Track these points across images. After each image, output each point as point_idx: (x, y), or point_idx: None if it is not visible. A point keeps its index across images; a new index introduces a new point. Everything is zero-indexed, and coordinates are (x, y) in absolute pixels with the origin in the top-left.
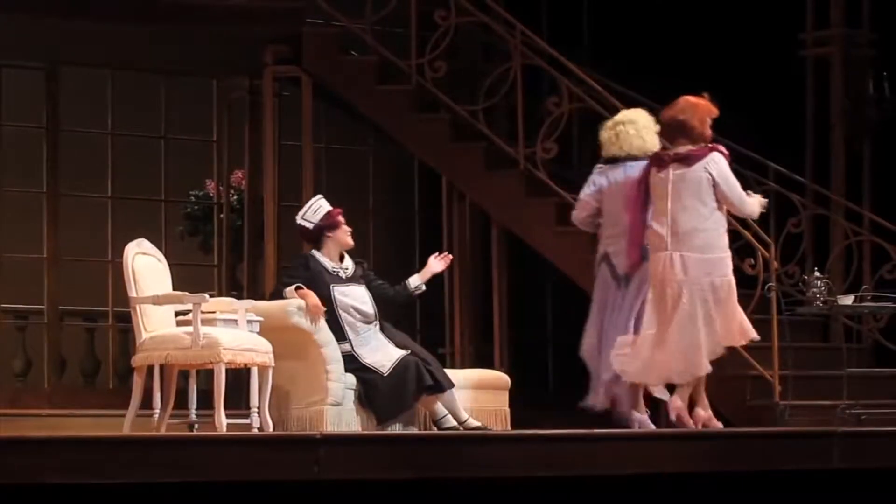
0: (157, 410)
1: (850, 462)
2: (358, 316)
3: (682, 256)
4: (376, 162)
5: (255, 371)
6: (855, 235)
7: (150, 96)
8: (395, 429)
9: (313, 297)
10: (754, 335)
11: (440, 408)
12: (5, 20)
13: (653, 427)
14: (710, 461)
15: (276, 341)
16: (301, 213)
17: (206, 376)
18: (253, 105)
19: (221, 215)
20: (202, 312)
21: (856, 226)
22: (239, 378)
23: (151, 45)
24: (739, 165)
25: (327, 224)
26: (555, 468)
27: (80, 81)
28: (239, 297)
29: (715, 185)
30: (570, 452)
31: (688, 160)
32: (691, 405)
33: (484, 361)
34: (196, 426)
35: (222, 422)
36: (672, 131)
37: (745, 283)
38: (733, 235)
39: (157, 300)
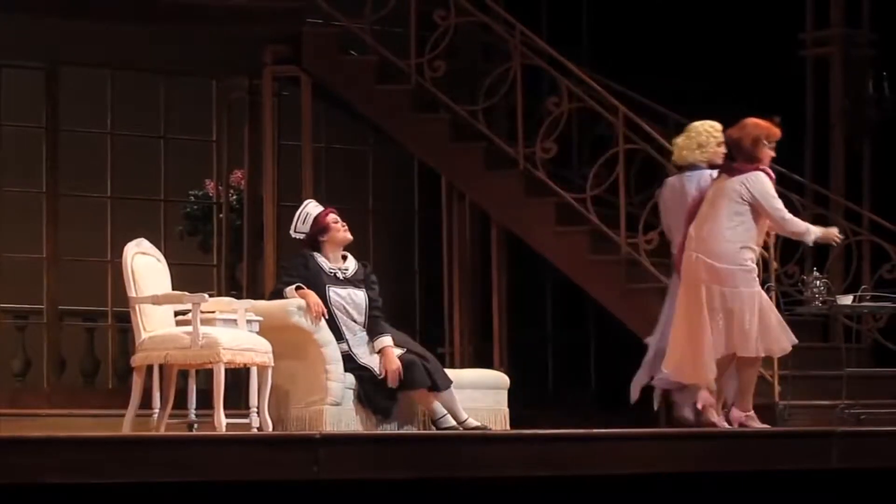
0: (157, 410)
1: (849, 462)
2: (351, 317)
3: (700, 258)
4: (376, 162)
5: (254, 371)
6: (854, 235)
7: (150, 96)
8: (394, 429)
9: (314, 297)
10: (775, 351)
11: (439, 407)
12: (5, 20)
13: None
14: (710, 461)
15: (275, 341)
16: (292, 225)
17: (206, 376)
18: (252, 105)
19: (221, 215)
20: (201, 312)
21: (855, 226)
22: (238, 378)
23: (151, 45)
24: None
25: (318, 230)
26: (554, 468)
27: (79, 81)
28: (238, 297)
29: (752, 203)
30: (569, 452)
31: (731, 172)
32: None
33: (483, 361)
34: (195, 426)
35: (222, 422)
36: (730, 148)
37: None
38: None
39: (157, 300)
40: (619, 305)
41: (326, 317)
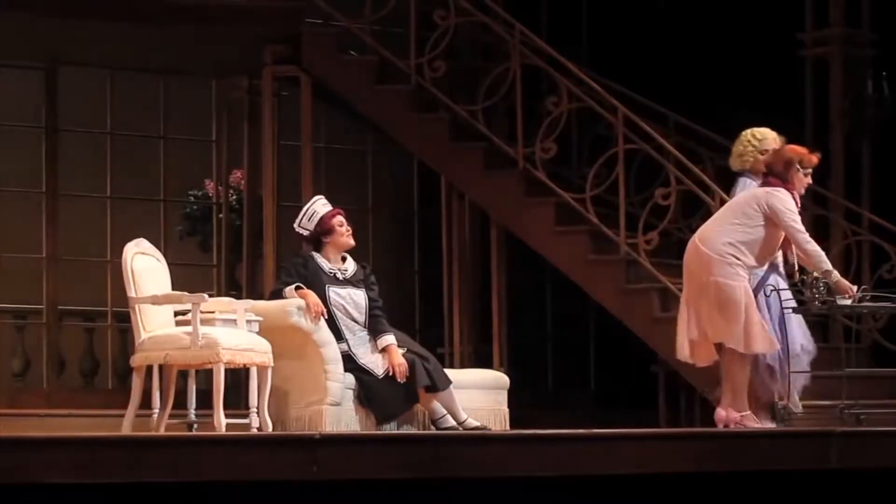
0: (157, 410)
1: (849, 462)
2: (351, 317)
3: (694, 240)
4: (376, 162)
5: (254, 371)
6: (854, 235)
7: (150, 96)
8: (394, 429)
9: (313, 297)
10: (757, 349)
11: (439, 407)
12: (5, 20)
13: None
14: (710, 461)
15: (275, 341)
16: (297, 219)
17: (206, 376)
18: (252, 105)
19: (220, 215)
20: (201, 312)
21: (855, 226)
22: (238, 378)
23: (151, 45)
24: None
25: (323, 230)
26: (554, 468)
27: (79, 81)
28: (238, 297)
29: (768, 216)
30: (569, 452)
31: (762, 184)
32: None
33: (483, 361)
34: (195, 426)
35: (221, 422)
36: (767, 167)
37: None
38: None
39: (157, 300)
40: (618, 305)
41: (326, 317)
